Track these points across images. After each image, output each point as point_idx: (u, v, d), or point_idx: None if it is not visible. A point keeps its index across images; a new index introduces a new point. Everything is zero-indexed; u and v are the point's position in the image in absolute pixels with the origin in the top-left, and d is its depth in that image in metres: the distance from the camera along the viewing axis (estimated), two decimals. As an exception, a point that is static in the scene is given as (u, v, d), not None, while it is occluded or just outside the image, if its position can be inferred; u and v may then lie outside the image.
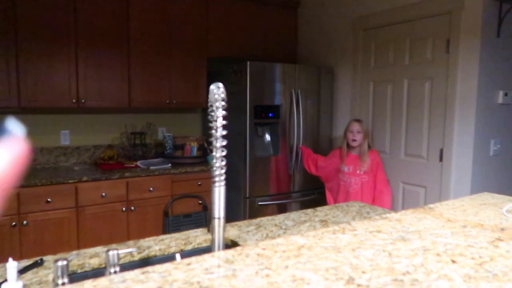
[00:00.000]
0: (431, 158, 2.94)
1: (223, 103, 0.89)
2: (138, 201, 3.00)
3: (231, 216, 3.48)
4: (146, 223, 3.04)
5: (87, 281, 0.74)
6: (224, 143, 0.90)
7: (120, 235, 2.92)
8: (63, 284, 0.88)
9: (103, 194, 2.85)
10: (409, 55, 3.06)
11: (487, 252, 0.87)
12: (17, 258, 2.30)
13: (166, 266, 0.81)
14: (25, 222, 2.57)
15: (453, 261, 0.82)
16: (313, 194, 3.57)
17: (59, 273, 0.88)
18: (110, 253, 0.97)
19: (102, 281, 0.74)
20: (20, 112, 3.01)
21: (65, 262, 0.89)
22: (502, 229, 1.03)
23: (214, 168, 0.91)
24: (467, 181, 2.73)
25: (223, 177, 0.93)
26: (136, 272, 0.77)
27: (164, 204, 3.10)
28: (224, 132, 0.90)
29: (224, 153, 0.91)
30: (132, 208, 2.96)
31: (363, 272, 0.77)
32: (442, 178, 2.86)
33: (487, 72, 2.68)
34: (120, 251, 1.00)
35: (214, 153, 0.92)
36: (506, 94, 2.80)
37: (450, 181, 2.81)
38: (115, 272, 0.97)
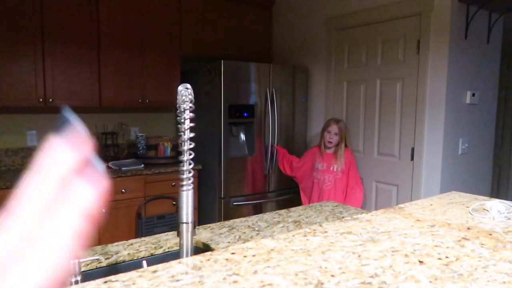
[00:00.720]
0: (402, 157, 3.00)
1: (190, 104, 0.87)
2: (110, 203, 2.92)
3: (206, 216, 3.44)
4: (118, 226, 2.97)
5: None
6: (192, 145, 0.88)
7: (90, 238, 2.83)
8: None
9: (73, 196, 2.76)
10: (381, 55, 3.11)
11: (453, 252, 0.89)
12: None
13: (131, 274, 0.78)
14: (-12, 226, 2.46)
15: (421, 262, 0.83)
16: (288, 193, 3.58)
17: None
18: (70, 262, 0.93)
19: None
20: (-17, 111, 2.88)
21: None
22: (468, 228, 1.05)
23: (182, 172, 0.89)
24: (436, 180, 2.80)
25: (191, 181, 0.90)
26: (98, 282, 0.74)
27: (137, 206, 3.03)
28: (192, 135, 0.88)
29: (191, 156, 0.88)
30: (103, 210, 2.88)
31: (332, 276, 0.77)
32: (413, 177, 2.92)
33: (455, 73, 2.75)
34: (82, 260, 0.97)
35: (181, 156, 0.89)
36: (473, 95, 2.88)
37: (420, 179, 2.87)
38: (76, 282, 0.93)
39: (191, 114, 0.87)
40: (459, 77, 2.78)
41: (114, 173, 2.95)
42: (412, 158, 2.93)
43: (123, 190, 2.97)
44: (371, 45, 3.17)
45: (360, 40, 3.25)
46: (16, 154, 3.10)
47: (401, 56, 2.97)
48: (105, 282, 0.74)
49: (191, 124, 0.88)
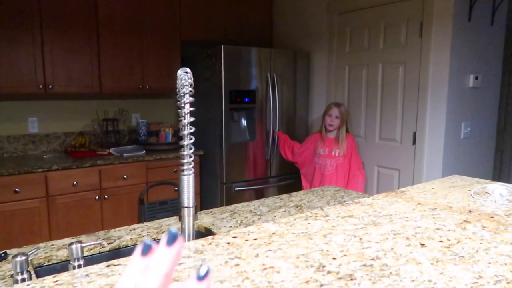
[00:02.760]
0: (404, 142, 2.99)
1: (190, 89, 0.86)
2: (112, 189, 2.93)
3: (208, 202, 3.46)
4: (120, 212, 2.99)
5: (48, 277, 0.71)
6: (192, 130, 0.87)
7: (93, 224, 2.86)
8: (23, 280, 0.85)
9: (75, 182, 2.77)
10: (383, 39, 3.07)
11: (455, 234, 0.89)
12: (-16, 250, 2.20)
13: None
14: (-8, 213, 2.48)
15: (422, 245, 0.83)
16: (289, 179, 3.58)
17: (18, 269, 0.84)
18: (73, 246, 0.94)
19: (64, 276, 0.71)
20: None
21: (23, 258, 0.85)
22: (470, 211, 1.05)
23: (182, 156, 0.89)
24: (438, 164, 2.80)
25: (191, 166, 0.90)
26: (101, 266, 0.74)
27: (139, 192, 3.04)
28: (192, 119, 0.87)
29: (192, 141, 0.88)
30: (106, 196, 2.90)
31: (334, 259, 0.77)
32: (415, 161, 2.92)
33: (458, 56, 2.72)
34: (84, 245, 0.97)
35: (182, 141, 0.89)
36: (476, 78, 2.85)
37: (422, 164, 2.87)
38: (79, 266, 0.94)
39: (191, 99, 0.86)
40: (462, 60, 2.75)
41: (116, 159, 2.95)
42: (414, 143, 2.92)
43: (125, 176, 2.98)
44: (373, 29, 3.13)
45: (362, 24, 3.21)
46: (17, 141, 3.10)
47: (403, 40, 2.93)
48: (108, 266, 0.74)
49: (191, 109, 0.87)
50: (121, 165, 2.96)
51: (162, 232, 1.37)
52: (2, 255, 1.10)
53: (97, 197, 2.86)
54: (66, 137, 3.30)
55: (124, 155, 3.03)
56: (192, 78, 0.87)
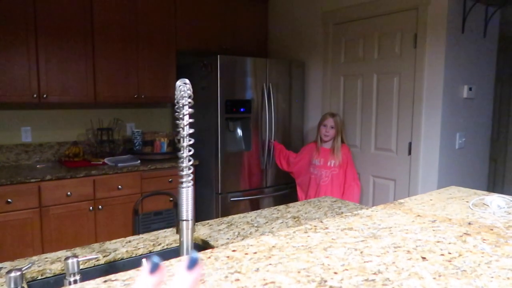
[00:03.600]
0: (400, 152, 3.00)
1: (189, 100, 0.85)
2: (106, 199, 2.90)
3: (203, 212, 3.43)
4: (115, 222, 2.95)
5: (43, 293, 0.69)
6: (191, 142, 0.87)
7: (87, 235, 2.82)
8: (17, 296, 0.83)
9: (69, 193, 2.74)
10: (378, 49, 3.10)
11: (456, 247, 0.88)
12: (-25, 262, 2.15)
13: (130, 273, 0.77)
14: (-17, 224, 2.44)
15: (423, 258, 0.82)
16: (285, 189, 3.57)
17: (12, 285, 0.82)
18: (69, 261, 0.92)
19: (60, 292, 0.69)
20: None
21: (18, 273, 0.83)
22: (469, 223, 1.05)
23: (181, 168, 0.88)
24: (434, 174, 2.81)
25: (190, 178, 0.89)
26: (98, 281, 0.73)
27: (134, 202, 3.01)
28: (191, 131, 0.86)
29: (191, 153, 0.87)
30: (100, 207, 2.87)
31: (335, 273, 0.76)
32: (410, 171, 2.93)
33: (452, 67, 2.75)
34: (80, 259, 0.95)
35: (181, 153, 0.88)
36: (470, 89, 2.88)
37: (418, 174, 2.88)
38: (75, 281, 0.91)
39: (190, 110, 0.86)
40: (456, 71, 2.78)
41: (110, 170, 2.93)
42: (409, 153, 2.93)
43: (119, 187, 2.95)
44: (367, 40, 3.16)
45: (357, 35, 3.24)
46: (10, 150, 3.06)
47: (398, 51, 2.96)
48: (105, 281, 0.73)
49: (190, 120, 0.86)
50: (115, 175, 2.94)
51: (159, 244, 1.35)
52: (-5, 269, 1.08)
53: (91, 208, 2.83)
54: (60, 147, 3.27)
55: (119, 165, 3.01)
56: (191, 90, 0.86)
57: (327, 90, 3.52)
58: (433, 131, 2.79)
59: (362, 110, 3.25)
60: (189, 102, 0.86)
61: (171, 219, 3.22)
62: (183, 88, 0.86)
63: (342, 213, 1.68)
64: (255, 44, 3.95)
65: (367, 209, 1.20)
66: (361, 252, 0.85)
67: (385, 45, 3.04)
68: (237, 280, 0.73)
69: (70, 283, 0.92)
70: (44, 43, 2.84)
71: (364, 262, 0.81)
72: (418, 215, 1.12)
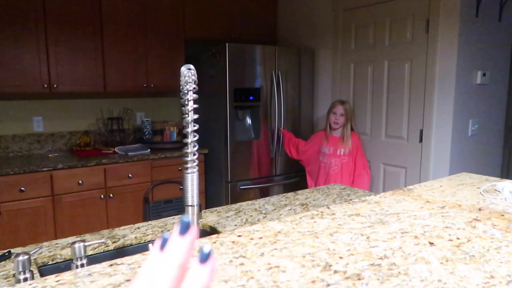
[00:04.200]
0: (411, 139, 2.96)
1: (194, 85, 0.85)
2: (117, 188, 2.93)
3: (213, 200, 3.45)
4: (126, 210, 2.99)
5: (50, 276, 0.70)
6: (196, 127, 0.86)
7: (99, 223, 2.86)
8: (25, 279, 0.84)
9: (80, 181, 2.77)
10: (389, 36, 3.04)
11: (465, 233, 0.87)
12: (-10, 249, 2.21)
13: (136, 257, 0.77)
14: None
15: (431, 243, 0.81)
16: (295, 177, 3.57)
17: (20, 269, 0.84)
18: (76, 246, 0.93)
19: (66, 275, 0.70)
20: (-11, 98, 2.89)
21: (26, 257, 0.84)
22: (480, 209, 1.03)
23: (186, 154, 0.87)
24: (446, 162, 2.77)
25: (195, 163, 0.89)
26: (104, 265, 0.73)
27: (144, 191, 3.04)
28: (196, 116, 0.86)
29: (195, 138, 0.87)
30: (111, 195, 2.90)
31: (340, 258, 0.75)
32: (422, 159, 2.89)
33: (466, 52, 2.69)
34: (87, 244, 0.96)
35: (186, 139, 0.87)
36: (484, 75, 2.82)
37: (429, 161, 2.84)
38: (81, 265, 0.93)
39: (195, 96, 0.85)
40: (469, 56, 2.72)
41: (121, 158, 2.95)
42: (420, 140, 2.89)
43: (129, 175, 2.98)
44: (378, 26, 3.10)
45: (368, 21, 3.18)
46: (23, 140, 3.11)
47: (409, 36, 2.90)
48: (111, 265, 0.73)
49: (195, 106, 0.85)
50: (126, 164, 2.96)
51: (167, 231, 1.36)
52: (6, 254, 1.10)
53: (102, 196, 2.87)
54: (71, 136, 3.30)
55: (129, 154, 3.03)
56: (196, 75, 0.85)
57: (337, 77, 3.47)
58: (445, 118, 2.74)
59: (373, 98, 3.20)
60: (194, 88, 0.86)
61: (181, 207, 3.25)
62: (187, 73, 0.85)
63: (351, 200, 1.66)
64: (264, 32, 3.92)
65: (375, 195, 1.18)
66: (368, 238, 0.85)
67: (397, 30, 2.98)
68: (242, 264, 0.73)
69: (77, 267, 0.93)
70: (54, 34, 2.85)
71: (370, 247, 0.80)
72: (427, 201, 1.11)
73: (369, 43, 3.18)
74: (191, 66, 0.88)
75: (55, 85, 2.88)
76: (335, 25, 3.43)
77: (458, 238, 0.84)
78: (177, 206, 3.16)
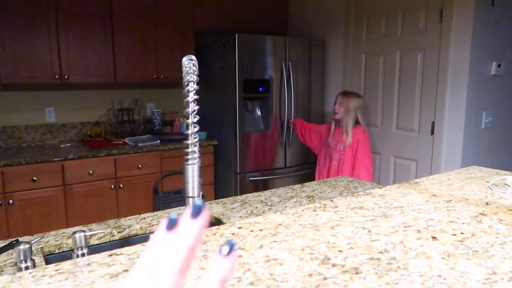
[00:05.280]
0: (422, 131, 2.91)
1: (195, 76, 0.84)
2: (127, 178, 2.96)
3: (222, 192, 3.46)
4: (135, 201, 3.02)
5: (50, 265, 0.70)
6: (196, 119, 0.86)
7: (109, 213, 2.90)
8: (27, 268, 0.85)
9: (91, 171, 2.81)
10: (401, 25, 2.98)
11: (469, 227, 0.85)
12: (4, 237, 2.27)
13: (136, 247, 0.78)
14: (11, 201, 2.54)
15: (434, 238, 0.80)
16: (304, 169, 3.55)
17: (22, 257, 0.85)
18: (77, 235, 0.94)
19: (65, 264, 0.70)
20: (2, 89, 2.93)
21: (27, 246, 0.85)
22: (487, 204, 1.01)
23: (187, 145, 0.87)
24: (458, 155, 2.72)
25: (196, 155, 0.88)
26: (103, 255, 0.74)
27: (154, 181, 3.07)
28: (197, 107, 0.85)
29: (196, 129, 0.86)
30: (121, 185, 2.93)
31: (340, 251, 0.74)
32: (433, 151, 2.84)
33: (480, 42, 2.62)
34: (88, 233, 0.97)
35: (187, 130, 0.87)
36: (499, 65, 2.75)
37: (441, 154, 2.79)
38: (82, 254, 0.94)
39: (196, 86, 0.84)
40: (484, 47, 2.65)
41: (131, 149, 2.98)
42: (432, 132, 2.84)
43: (139, 166, 3.00)
44: (391, 15, 3.04)
45: (379, 10, 3.12)
46: (35, 130, 3.16)
47: (422, 26, 2.84)
48: (110, 255, 0.74)
49: (196, 97, 0.85)
50: (136, 154, 2.99)
51: (174, 213, 1.37)
52: (14, 242, 1.12)
53: (112, 186, 2.90)
54: (83, 127, 3.34)
55: (139, 144, 3.05)
56: (197, 66, 0.85)
57: (348, 68, 3.43)
58: (458, 110, 2.68)
59: (384, 89, 3.16)
60: (195, 79, 0.85)
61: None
62: (188, 64, 0.84)
63: (358, 192, 1.65)
64: (275, 22, 3.88)
65: (380, 188, 1.17)
66: (369, 231, 0.84)
67: (409, 20, 2.92)
68: (240, 256, 0.73)
69: (77, 256, 0.95)
70: (65, 25, 2.87)
71: (371, 241, 0.79)
72: (433, 195, 1.09)
73: (381, 33, 3.13)
74: (193, 57, 0.87)
75: (66, 76, 2.90)
76: (347, 14, 3.38)
77: (462, 233, 0.82)
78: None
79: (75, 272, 0.67)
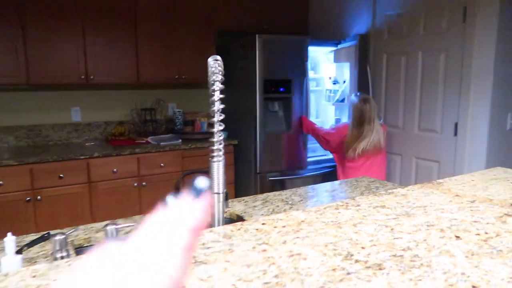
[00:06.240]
0: (445, 132, 2.87)
1: (221, 76, 0.87)
2: (149, 176, 3.03)
3: (242, 191, 3.49)
4: (157, 198, 3.07)
5: (84, 255, 0.74)
6: (222, 117, 0.88)
7: (132, 210, 2.96)
8: (62, 257, 0.90)
9: (115, 170, 2.88)
10: (423, 25, 2.95)
11: (494, 227, 0.85)
12: (33, 231, 2.35)
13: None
14: (39, 197, 2.63)
15: (457, 237, 0.80)
16: (325, 169, 3.55)
17: (58, 247, 0.89)
18: (108, 228, 0.98)
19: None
20: (29, 89, 3.03)
21: (62, 236, 0.90)
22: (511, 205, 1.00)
23: (212, 143, 0.90)
24: (481, 156, 2.67)
25: (221, 152, 0.91)
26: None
27: (175, 180, 3.12)
28: (222, 106, 0.88)
29: (222, 127, 0.89)
30: (144, 183, 3.00)
31: (362, 248, 0.76)
32: (456, 153, 2.80)
33: (506, 42, 2.57)
34: (118, 226, 1.01)
35: (212, 128, 0.90)
36: (525, 65, 2.68)
37: (464, 155, 2.75)
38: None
39: (221, 86, 0.87)
40: (509, 47, 2.59)
41: (153, 148, 3.04)
42: (455, 134, 2.80)
43: (161, 164, 3.06)
44: (413, 15, 3.01)
45: (401, 9, 3.09)
46: (62, 129, 3.25)
47: (445, 26, 2.80)
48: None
49: (221, 96, 0.88)
50: (158, 153, 3.05)
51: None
52: (46, 235, 1.17)
53: (135, 184, 2.97)
54: (107, 126, 3.43)
55: (161, 143, 3.11)
56: (222, 66, 0.87)
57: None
58: (482, 111, 2.64)
59: (406, 89, 3.13)
60: (221, 78, 0.88)
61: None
62: (214, 64, 0.87)
63: (379, 192, 1.65)
64: (296, 22, 3.89)
65: (402, 188, 1.17)
66: (392, 229, 0.84)
67: (432, 20, 2.88)
68: (264, 251, 0.75)
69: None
70: (91, 27, 2.95)
71: (394, 238, 0.80)
72: (457, 195, 1.08)
73: (403, 32, 3.10)
74: (218, 57, 0.90)
75: (91, 77, 2.99)
76: (368, 14, 3.36)
77: (486, 233, 0.82)
78: (206, 195, 3.22)
79: (103, 264, 0.71)
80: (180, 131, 3.47)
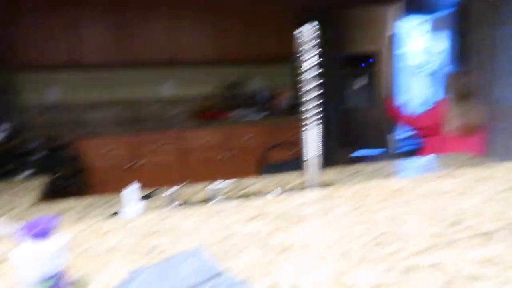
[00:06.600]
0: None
1: (315, 42, 0.87)
2: (236, 149, 3.16)
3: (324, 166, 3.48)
4: (244, 170, 3.20)
5: (192, 208, 0.82)
6: (315, 83, 0.89)
7: (220, 179, 3.12)
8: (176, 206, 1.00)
9: (204, 141, 3.06)
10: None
11: None
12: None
13: (263, 199, 0.86)
14: (139, 163, 2.91)
15: None
16: (410, 146, 3.38)
17: (171, 198, 1.00)
18: (209, 187, 1.07)
19: (204, 209, 0.82)
20: (129, 66, 3.31)
21: (175, 189, 1.01)
22: None
23: (307, 109, 0.92)
24: None
25: (316, 117, 0.93)
26: (233, 204, 0.84)
27: (260, 152, 3.22)
28: (315, 73, 0.89)
29: (316, 93, 0.90)
30: (230, 155, 3.14)
31: (468, 216, 0.73)
32: None
33: None
34: (219, 185, 1.10)
35: (305, 97, 0.92)
36: None
37: None
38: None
39: (316, 52, 0.88)
40: None
41: (239, 122, 3.15)
42: None
43: (246, 137, 3.17)
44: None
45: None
46: (156, 103, 3.52)
47: None
48: (239, 205, 0.83)
49: (315, 62, 0.88)
50: (244, 126, 3.16)
51: (288, 184, 1.45)
52: (155, 190, 1.31)
53: (223, 155, 3.12)
54: (195, 101, 3.62)
55: (247, 118, 3.21)
56: (317, 32, 0.88)
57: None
58: None
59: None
60: (315, 45, 0.88)
61: (295, 169, 3.36)
62: (306, 31, 0.88)
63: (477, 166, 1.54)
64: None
65: (508, 162, 1.09)
66: (499, 201, 0.80)
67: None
68: (361, 214, 0.77)
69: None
70: (176, 6, 3.10)
71: (503, 209, 0.76)
72: None
73: (512, -4, 2.76)
74: (314, 23, 0.90)
75: (178, 54, 3.16)
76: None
77: None
78: (292, 168, 3.28)
79: (212, 215, 0.78)
80: (264, 106, 3.54)
